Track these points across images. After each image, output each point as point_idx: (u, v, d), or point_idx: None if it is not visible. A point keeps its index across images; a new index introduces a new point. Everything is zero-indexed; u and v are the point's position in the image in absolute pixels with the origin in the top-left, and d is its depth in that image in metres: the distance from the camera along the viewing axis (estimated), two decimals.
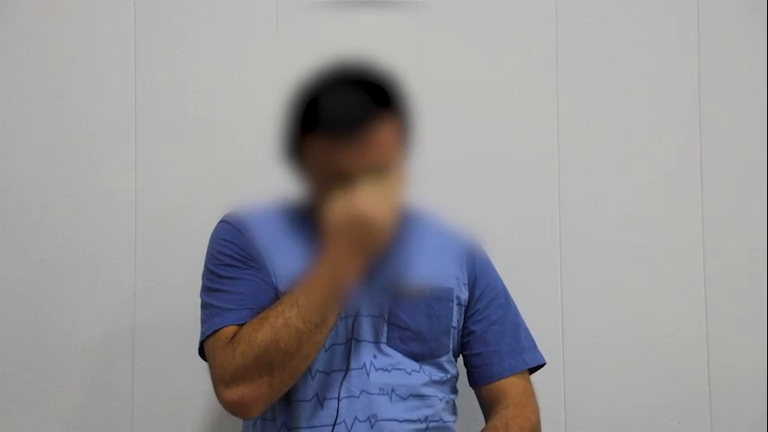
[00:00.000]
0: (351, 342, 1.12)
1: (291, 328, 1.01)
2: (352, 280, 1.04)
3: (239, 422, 1.21)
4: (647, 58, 1.50)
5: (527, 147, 1.48)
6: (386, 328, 1.13)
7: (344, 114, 1.03)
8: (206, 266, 1.15)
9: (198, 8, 1.45)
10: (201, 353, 1.14)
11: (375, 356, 1.12)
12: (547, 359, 1.25)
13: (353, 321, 1.12)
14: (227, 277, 1.11)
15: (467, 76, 1.47)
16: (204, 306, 1.12)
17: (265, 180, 1.31)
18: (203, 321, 1.11)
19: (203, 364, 1.14)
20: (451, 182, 1.44)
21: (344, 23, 1.44)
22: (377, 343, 1.13)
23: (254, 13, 1.45)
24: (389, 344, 1.13)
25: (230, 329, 1.06)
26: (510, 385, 1.20)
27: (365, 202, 1.01)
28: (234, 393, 1.02)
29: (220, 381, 1.03)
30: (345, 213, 1.01)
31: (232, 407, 1.03)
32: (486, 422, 1.19)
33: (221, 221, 1.17)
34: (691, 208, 1.48)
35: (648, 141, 1.49)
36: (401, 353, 1.13)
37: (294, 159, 1.12)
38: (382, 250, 1.06)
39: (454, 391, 1.21)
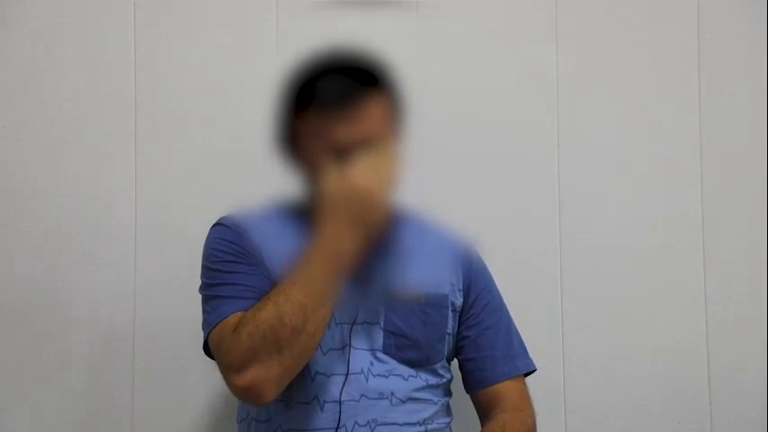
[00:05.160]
0: (347, 348, 1.12)
1: (295, 303, 1.00)
2: (351, 251, 1.03)
3: None
4: (647, 58, 1.50)
5: (527, 147, 1.48)
6: (382, 336, 1.14)
7: (335, 92, 1.07)
8: (205, 267, 1.15)
9: (198, 9, 1.45)
10: (206, 350, 1.13)
11: (372, 363, 1.12)
12: (547, 359, 1.26)
13: (350, 329, 1.13)
14: (230, 272, 1.11)
15: (467, 75, 1.47)
16: (208, 299, 1.12)
17: (265, 180, 1.31)
18: (208, 314, 1.10)
19: (203, 364, 1.14)
20: (452, 182, 1.44)
21: (344, 23, 1.44)
22: (372, 350, 1.13)
23: (254, 13, 1.45)
24: (385, 351, 1.13)
25: (236, 317, 1.05)
26: (506, 389, 1.20)
27: (360, 173, 1.02)
28: (245, 378, 1.00)
29: (230, 367, 1.02)
30: (341, 185, 1.02)
31: (245, 392, 1.02)
32: (483, 426, 1.19)
33: (216, 225, 1.17)
34: (691, 208, 1.48)
35: (648, 141, 1.49)
36: (397, 360, 1.14)
37: (288, 144, 1.13)
38: (380, 224, 1.06)
39: (448, 393, 1.22)
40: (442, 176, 1.42)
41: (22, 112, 1.42)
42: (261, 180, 1.34)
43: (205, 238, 1.17)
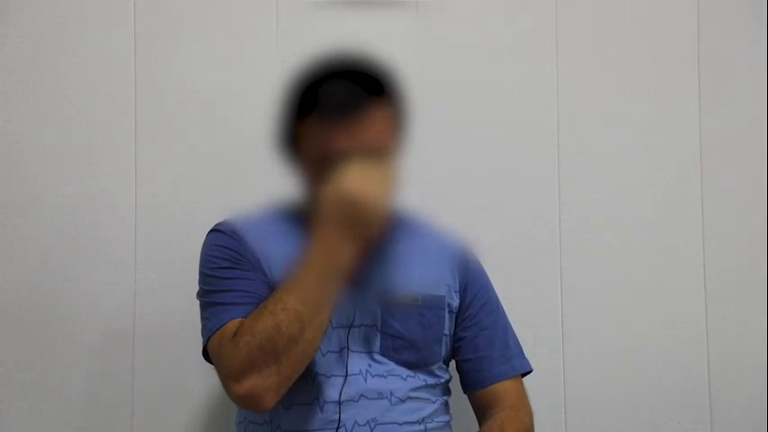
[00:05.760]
0: (345, 351, 1.12)
1: (291, 311, 1.00)
2: (346, 259, 1.03)
3: None
4: (647, 58, 1.50)
5: (527, 148, 1.48)
6: (379, 338, 1.14)
7: (340, 99, 1.06)
8: (202, 273, 1.15)
9: (197, 9, 1.45)
10: (205, 355, 1.13)
11: (370, 365, 1.13)
12: (547, 359, 1.25)
13: (347, 332, 1.13)
14: (229, 278, 1.11)
15: (467, 76, 1.47)
16: (206, 306, 1.12)
17: (266, 181, 1.31)
18: (207, 320, 1.10)
19: (203, 364, 1.14)
20: (452, 182, 1.44)
21: (344, 23, 1.44)
22: (370, 353, 1.13)
23: (254, 13, 1.45)
24: (383, 353, 1.14)
25: (235, 324, 1.05)
26: (503, 389, 1.21)
27: (356, 181, 1.01)
28: (243, 387, 1.00)
29: (228, 376, 1.02)
30: (336, 192, 1.01)
31: (244, 400, 1.02)
32: (480, 426, 1.19)
33: (212, 231, 1.17)
34: (691, 208, 1.48)
35: (648, 142, 1.49)
36: (394, 362, 1.14)
37: (289, 147, 1.13)
38: (377, 232, 1.06)
39: (447, 392, 1.22)
40: (442, 176, 1.43)
41: (22, 112, 1.41)
42: (261, 181, 1.34)
43: (202, 243, 1.17)
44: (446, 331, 1.19)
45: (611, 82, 1.49)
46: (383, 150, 1.07)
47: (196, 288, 1.15)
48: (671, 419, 1.46)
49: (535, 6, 1.49)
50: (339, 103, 1.05)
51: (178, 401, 1.41)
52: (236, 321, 1.05)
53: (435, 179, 1.41)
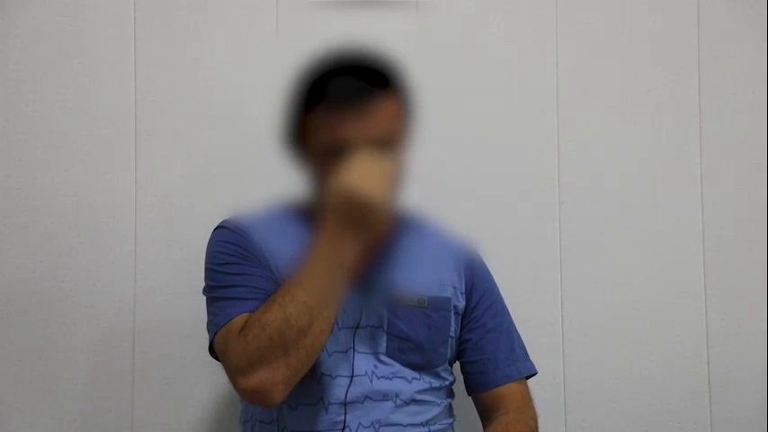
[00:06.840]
0: (351, 351, 1.12)
1: (300, 304, 1.00)
2: (352, 254, 1.03)
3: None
4: (647, 58, 1.50)
5: (527, 147, 1.48)
6: (385, 339, 1.14)
7: (347, 90, 1.06)
8: (209, 269, 1.14)
9: (197, 9, 1.44)
10: (212, 352, 1.13)
11: (376, 366, 1.13)
12: (547, 360, 1.25)
13: (353, 333, 1.13)
14: (234, 273, 1.11)
15: (467, 75, 1.47)
16: (213, 301, 1.11)
17: (266, 180, 1.32)
18: (214, 315, 1.10)
19: (204, 365, 1.14)
20: (451, 182, 1.44)
21: (344, 23, 1.44)
22: (376, 354, 1.13)
23: (254, 13, 1.45)
24: (389, 354, 1.14)
25: (242, 318, 1.05)
26: (508, 392, 1.21)
27: (360, 175, 1.01)
28: (252, 380, 0.99)
29: (237, 370, 1.01)
30: (340, 186, 1.01)
31: (252, 394, 1.01)
32: (485, 428, 1.19)
33: (218, 228, 1.17)
34: (691, 209, 1.48)
35: (649, 141, 1.49)
36: (400, 363, 1.14)
37: (296, 141, 1.13)
38: (382, 227, 1.06)
39: (451, 394, 1.22)
40: (441, 177, 1.42)
41: (22, 112, 1.41)
42: (262, 181, 1.34)
43: (207, 240, 1.17)
44: (452, 333, 1.19)
45: (611, 82, 1.49)
46: (390, 141, 1.07)
47: (197, 288, 1.15)
48: (671, 420, 1.46)
49: (535, 6, 1.49)
50: (347, 94, 1.06)
51: (178, 401, 1.40)
52: (243, 316, 1.05)
53: (433, 179, 1.40)
